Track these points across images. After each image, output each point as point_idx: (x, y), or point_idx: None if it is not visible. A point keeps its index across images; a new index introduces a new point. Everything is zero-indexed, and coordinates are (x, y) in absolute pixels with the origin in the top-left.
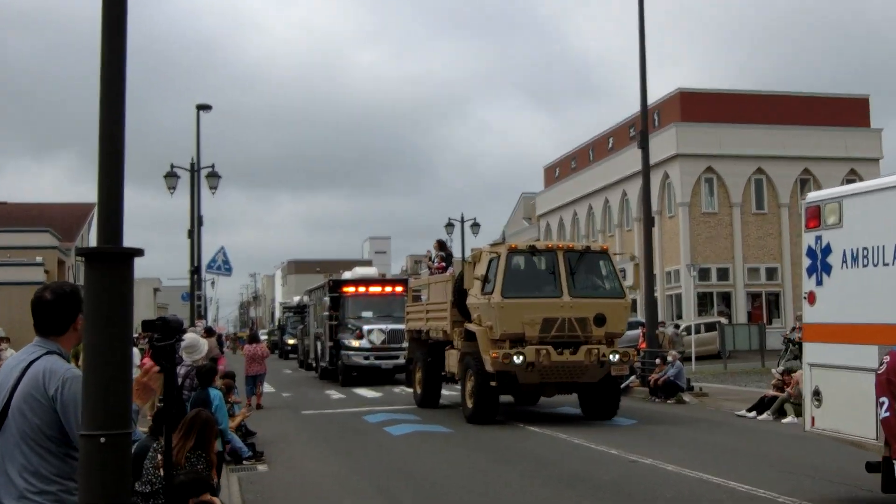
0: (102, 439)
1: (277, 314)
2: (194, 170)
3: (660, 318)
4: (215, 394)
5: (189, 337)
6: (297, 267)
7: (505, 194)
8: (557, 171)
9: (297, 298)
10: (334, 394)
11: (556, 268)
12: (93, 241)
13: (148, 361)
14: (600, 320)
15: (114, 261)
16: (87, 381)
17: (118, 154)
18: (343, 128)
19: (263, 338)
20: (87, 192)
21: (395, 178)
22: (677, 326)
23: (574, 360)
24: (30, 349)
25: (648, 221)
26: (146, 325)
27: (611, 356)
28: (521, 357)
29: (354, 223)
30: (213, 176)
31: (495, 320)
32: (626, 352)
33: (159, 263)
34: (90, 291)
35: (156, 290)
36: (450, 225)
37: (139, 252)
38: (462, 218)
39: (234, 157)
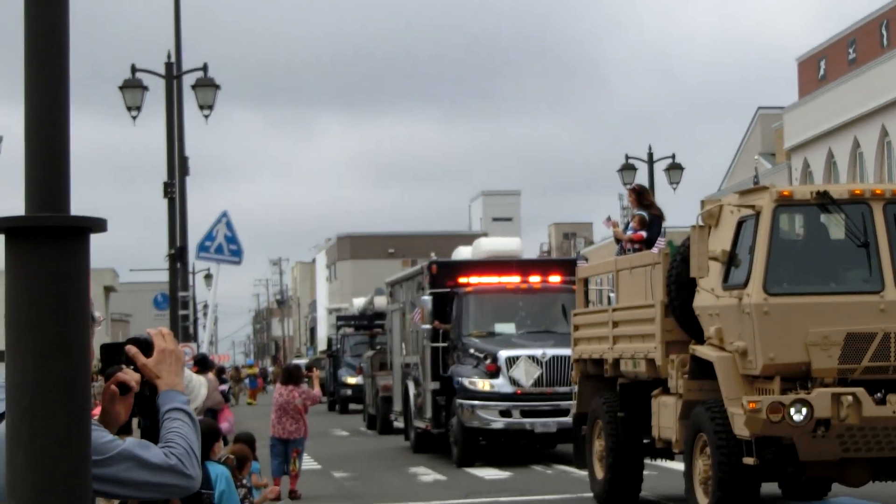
0: None
1: (323, 331)
2: (172, 76)
3: None
4: (219, 472)
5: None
6: (355, 247)
7: (726, 113)
8: (822, 68)
9: (359, 302)
10: (427, 474)
11: (870, 235)
12: (14, 205)
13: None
14: None
15: (57, 239)
16: (15, 450)
17: (60, 59)
18: (436, 2)
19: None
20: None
21: (526, 87)
22: None
23: None
24: None
25: None
26: (109, 353)
27: None
28: (805, 410)
29: (455, 168)
30: (207, 86)
31: (753, 338)
32: None
33: (114, 243)
34: (15, 292)
35: (109, 289)
36: (629, 168)
37: (98, 224)
38: (650, 155)
39: (243, 56)
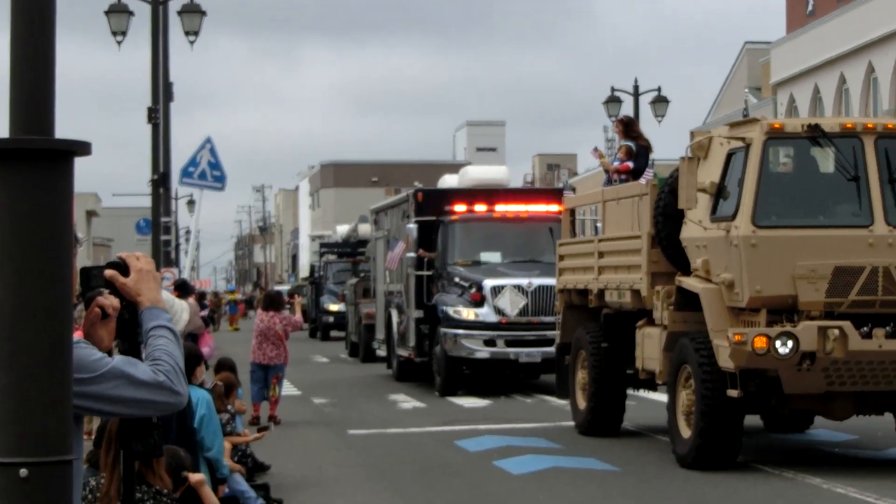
0: (23, 472)
1: (305, 259)
2: (158, 1)
3: None
4: (200, 396)
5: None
6: (339, 174)
7: (713, 48)
8: (811, 4)
9: (343, 229)
10: (406, 402)
11: (860, 170)
12: None
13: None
14: None
15: (41, 162)
16: None
17: None
18: None
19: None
20: None
21: (514, 18)
22: None
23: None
24: None
25: None
26: (88, 277)
27: None
28: (791, 343)
29: (439, 99)
30: (193, 12)
31: (740, 270)
32: None
33: (98, 168)
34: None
35: (91, 213)
36: (614, 101)
37: (83, 148)
38: (636, 88)
39: None
